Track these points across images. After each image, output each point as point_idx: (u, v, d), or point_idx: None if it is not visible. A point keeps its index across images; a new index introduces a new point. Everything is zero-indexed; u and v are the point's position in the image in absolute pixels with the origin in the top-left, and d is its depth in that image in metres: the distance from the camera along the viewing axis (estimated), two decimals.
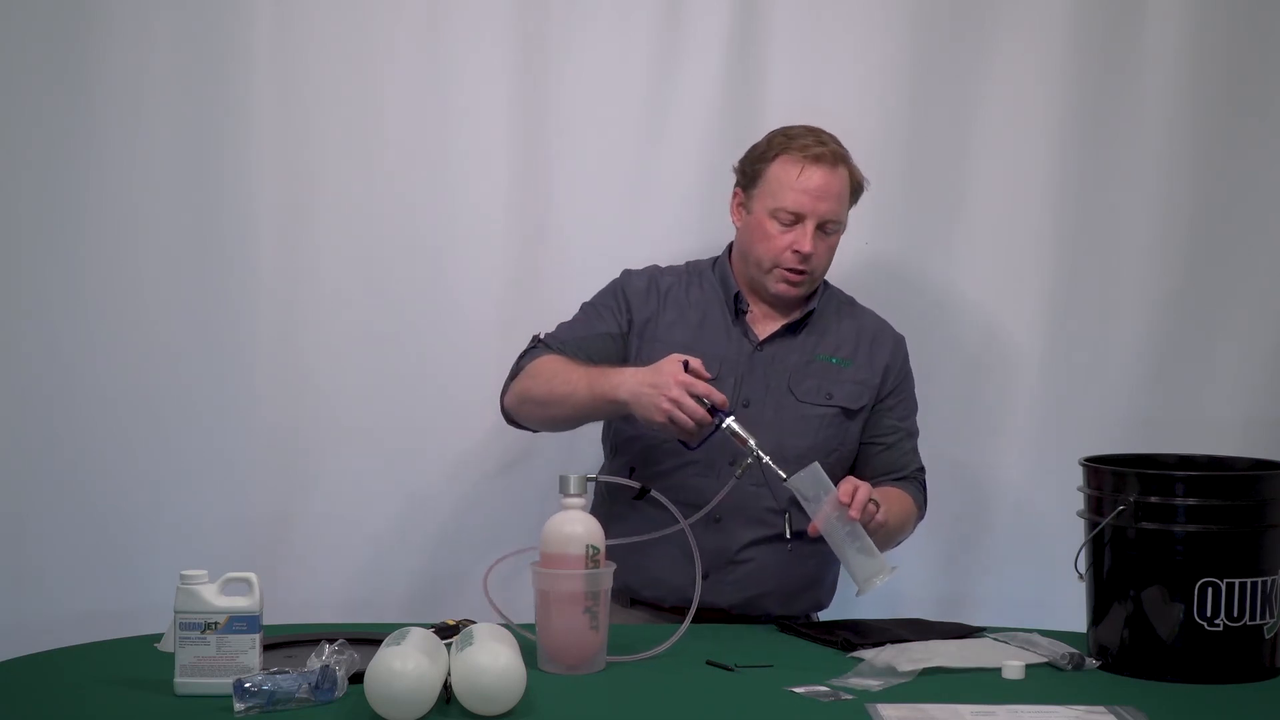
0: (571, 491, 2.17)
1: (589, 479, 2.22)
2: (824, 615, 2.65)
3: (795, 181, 2.55)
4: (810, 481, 2.28)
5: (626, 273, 2.69)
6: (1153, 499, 2.15)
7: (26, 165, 2.79)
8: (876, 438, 2.63)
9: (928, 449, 2.72)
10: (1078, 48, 2.99)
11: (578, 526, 2.14)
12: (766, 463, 2.29)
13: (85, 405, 2.82)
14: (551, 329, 2.65)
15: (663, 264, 2.72)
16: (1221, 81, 2.99)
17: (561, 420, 2.57)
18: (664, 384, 2.33)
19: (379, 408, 2.93)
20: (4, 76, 2.76)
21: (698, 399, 2.31)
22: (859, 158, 2.62)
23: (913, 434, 2.68)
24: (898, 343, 2.69)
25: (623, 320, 2.62)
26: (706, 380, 2.35)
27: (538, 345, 2.61)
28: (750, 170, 2.62)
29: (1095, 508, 2.23)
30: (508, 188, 2.94)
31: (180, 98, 2.82)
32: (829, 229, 2.57)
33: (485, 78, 2.92)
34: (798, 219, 2.55)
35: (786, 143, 2.59)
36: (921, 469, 2.68)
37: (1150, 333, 3.03)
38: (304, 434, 2.91)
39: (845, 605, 2.67)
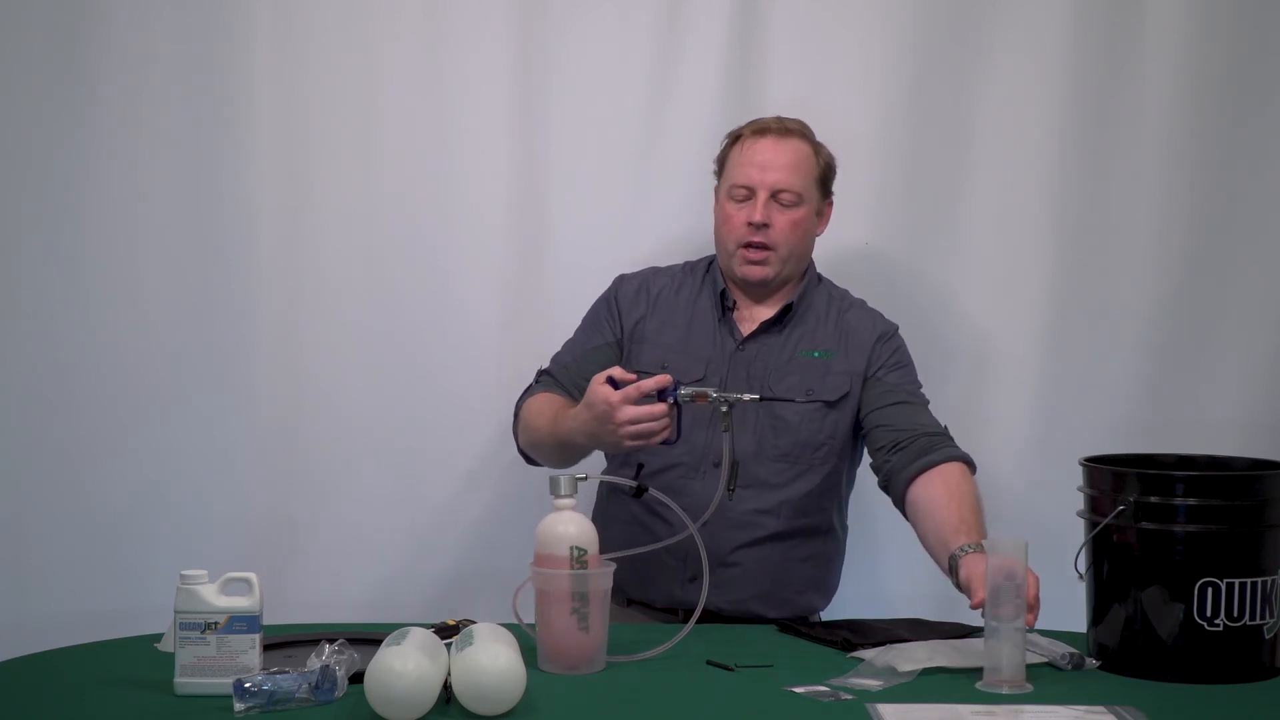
0: (562, 493, 2.16)
1: (579, 479, 2.20)
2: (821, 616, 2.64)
3: (743, 156, 2.57)
4: (1013, 551, 2.08)
5: (620, 278, 2.69)
6: (1153, 499, 2.15)
7: (26, 165, 2.79)
8: (886, 398, 2.54)
9: None
10: (1078, 48, 2.98)
11: (568, 527, 2.14)
12: (738, 399, 2.25)
13: (85, 405, 2.83)
14: (552, 336, 2.67)
15: (662, 265, 2.71)
16: (1221, 81, 2.99)
17: (559, 462, 2.53)
18: (607, 418, 2.27)
19: (379, 407, 2.93)
20: (4, 76, 2.77)
21: (642, 401, 2.26)
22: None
23: (925, 402, 2.58)
24: (886, 328, 2.63)
25: (615, 327, 2.62)
26: (633, 380, 2.28)
27: (538, 380, 2.61)
28: (719, 162, 2.64)
29: (1095, 508, 2.22)
30: (508, 188, 2.95)
31: (180, 98, 2.83)
32: (784, 199, 2.55)
33: (485, 78, 2.92)
34: (750, 193, 2.55)
35: (744, 127, 2.61)
36: (945, 429, 2.54)
37: (1149, 333, 3.03)
38: (304, 434, 2.92)
39: (844, 605, 2.67)
